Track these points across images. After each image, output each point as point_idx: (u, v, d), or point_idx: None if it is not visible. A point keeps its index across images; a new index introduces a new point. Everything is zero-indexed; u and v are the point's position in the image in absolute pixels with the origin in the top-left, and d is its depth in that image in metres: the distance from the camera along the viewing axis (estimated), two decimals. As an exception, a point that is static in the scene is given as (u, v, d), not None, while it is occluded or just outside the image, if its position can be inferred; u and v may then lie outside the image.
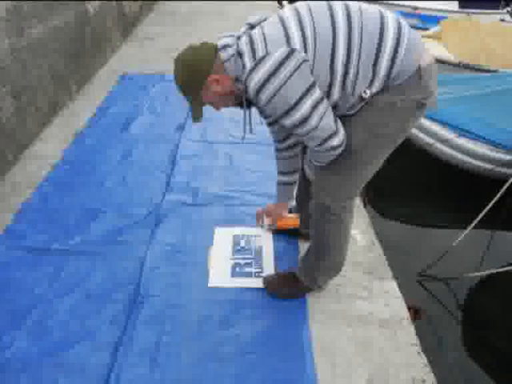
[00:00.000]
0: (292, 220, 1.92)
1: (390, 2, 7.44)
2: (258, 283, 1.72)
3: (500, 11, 7.51)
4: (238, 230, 2.02)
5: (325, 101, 1.21)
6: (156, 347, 1.50)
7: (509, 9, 7.49)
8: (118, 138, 2.79)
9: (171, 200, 2.23)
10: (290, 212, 1.94)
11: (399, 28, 1.20)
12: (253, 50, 1.18)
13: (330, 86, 1.22)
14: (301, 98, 1.17)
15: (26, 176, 2.41)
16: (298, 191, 1.86)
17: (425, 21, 6.98)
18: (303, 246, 1.87)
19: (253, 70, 1.16)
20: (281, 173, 1.74)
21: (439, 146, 3.58)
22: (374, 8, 1.23)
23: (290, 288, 1.66)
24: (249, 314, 1.62)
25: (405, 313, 1.66)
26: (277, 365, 1.45)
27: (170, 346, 1.51)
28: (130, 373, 1.42)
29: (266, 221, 1.94)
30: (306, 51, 1.17)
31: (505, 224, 3.27)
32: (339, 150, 1.29)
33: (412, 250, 3.07)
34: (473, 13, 7.04)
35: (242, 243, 1.94)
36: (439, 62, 4.48)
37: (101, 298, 1.68)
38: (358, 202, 2.22)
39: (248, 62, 1.18)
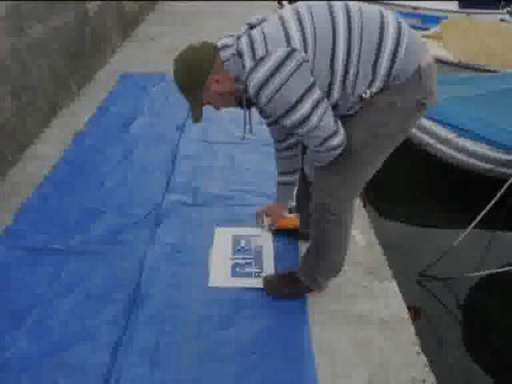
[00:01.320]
0: (292, 220, 1.92)
1: (390, 2, 7.45)
2: (258, 283, 1.72)
3: (500, 11, 7.52)
4: (237, 230, 2.02)
5: (325, 101, 1.21)
6: (156, 347, 1.50)
7: (509, 9, 7.49)
8: (117, 138, 2.79)
9: (171, 200, 2.23)
10: (290, 212, 1.94)
11: (399, 28, 1.20)
12: (253, 50, 1.18)
13: (330, 85, 1.22)
14: (301, 98, 1.17)
15: (26, 176, 2.41)
16: (297, 191, 1.85)
17: (425, 21, 6.99)
18: (303, 246, 1.86)
19: (253, 69, 1.16)
20: (281, 173, 1.74)
21: (439, 146, 3.58)
22: (373, 8, 1.23)
23: (290, 288, 1.66)
24: (249, 314, 1.62)
25: (405, 313, 1.66)
26: (277, 365, 1.45)
27: (169, 346, 1.50)
28: (130, 373, 1.42)
29: (266, 221, 1.94)
30: (306, 51, 1.16)
31: (505, 224, 3.27)
32: (339, 150, 1.29)
33: (412, 250, 3.07)
34: (473, 13, 7.05)
35: (242, 243, 1.94)
36: (439, 62, 4.48)
37: (101, 298, 1.68)
38: (358, 201, 2.22)
39: (248, 62, 1.18)
